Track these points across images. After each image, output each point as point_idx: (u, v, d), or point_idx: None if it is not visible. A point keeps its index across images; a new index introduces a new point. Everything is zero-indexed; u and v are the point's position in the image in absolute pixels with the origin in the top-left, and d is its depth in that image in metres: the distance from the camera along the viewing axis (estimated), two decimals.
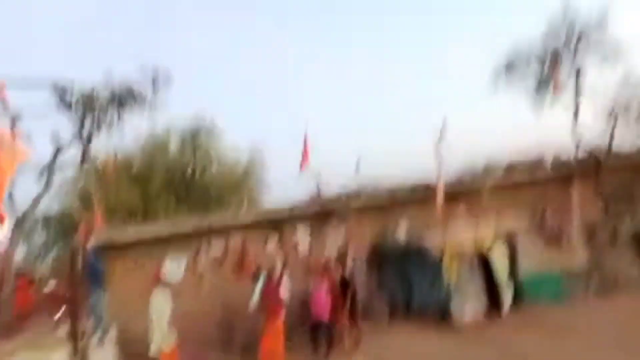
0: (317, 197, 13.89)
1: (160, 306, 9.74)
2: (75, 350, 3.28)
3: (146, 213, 19.61)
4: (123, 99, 13.64)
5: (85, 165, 14.87)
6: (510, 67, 17.76)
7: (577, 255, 12.60)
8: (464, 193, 14.23)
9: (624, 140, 16.12)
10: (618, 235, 13.31)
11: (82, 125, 13.68)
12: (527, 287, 12.08)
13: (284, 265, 10.25)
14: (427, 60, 62.57)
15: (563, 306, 11.60)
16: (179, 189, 21.48)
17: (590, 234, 13.07)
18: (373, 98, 56.70)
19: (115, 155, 19.54)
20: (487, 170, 16.41)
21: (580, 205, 15.75)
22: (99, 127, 13.89)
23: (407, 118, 51.33)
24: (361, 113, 52.05)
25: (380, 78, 59.08)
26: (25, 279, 15.59)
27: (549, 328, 10.36)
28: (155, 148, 21.22)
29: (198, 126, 21.82)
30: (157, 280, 10.14)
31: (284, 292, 9.96)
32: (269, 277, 10.12)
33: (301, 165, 12.41)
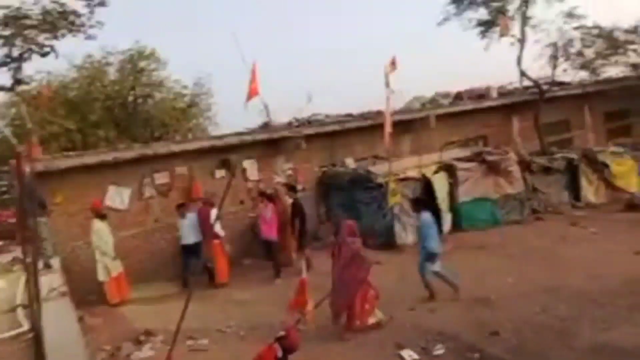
0: (267, 126, 13.71)
1: (104, 233, 9.64)
2: (27, 278, 3.20)
3: (85, 143, 18.69)
4: (55, 18, 12.54)
5: (18, 90, 13.76)
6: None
7: (515, 182, 13.19)
8: (411, 122, 14.50)
9: (566, 73, 16.80)
10: (553, 163, 14.01)
11: (11, 45, 12.55)
12: (465, 212, 12.68)
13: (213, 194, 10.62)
14: None
15: (498, 229, 12.44)
16: (120, 117, 20.51)
17: (528, 163, 13.67)
18: (324, 32, 55.13)
19: (50, 80, 18.34)
20: (435, 99, 16.68)
21: (521, 134, 16.49)
22: (30, 49, 12.81)
23: (358, 51, 50.39)
24: (312, 48, 50.54)
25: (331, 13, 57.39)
26: None
27: (483, 247, 11.09)
28: (93, 73, 19.90)
29: (139, 51, 20.47)
30: (98, 208, 9.95)
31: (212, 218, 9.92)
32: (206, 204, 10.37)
33: (248, 96, 12.04)
